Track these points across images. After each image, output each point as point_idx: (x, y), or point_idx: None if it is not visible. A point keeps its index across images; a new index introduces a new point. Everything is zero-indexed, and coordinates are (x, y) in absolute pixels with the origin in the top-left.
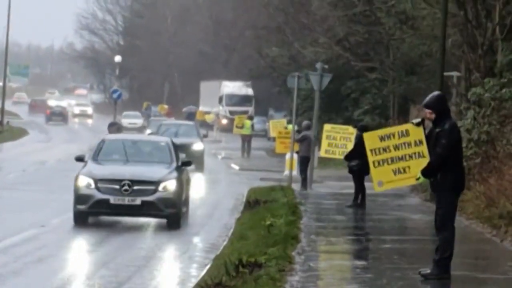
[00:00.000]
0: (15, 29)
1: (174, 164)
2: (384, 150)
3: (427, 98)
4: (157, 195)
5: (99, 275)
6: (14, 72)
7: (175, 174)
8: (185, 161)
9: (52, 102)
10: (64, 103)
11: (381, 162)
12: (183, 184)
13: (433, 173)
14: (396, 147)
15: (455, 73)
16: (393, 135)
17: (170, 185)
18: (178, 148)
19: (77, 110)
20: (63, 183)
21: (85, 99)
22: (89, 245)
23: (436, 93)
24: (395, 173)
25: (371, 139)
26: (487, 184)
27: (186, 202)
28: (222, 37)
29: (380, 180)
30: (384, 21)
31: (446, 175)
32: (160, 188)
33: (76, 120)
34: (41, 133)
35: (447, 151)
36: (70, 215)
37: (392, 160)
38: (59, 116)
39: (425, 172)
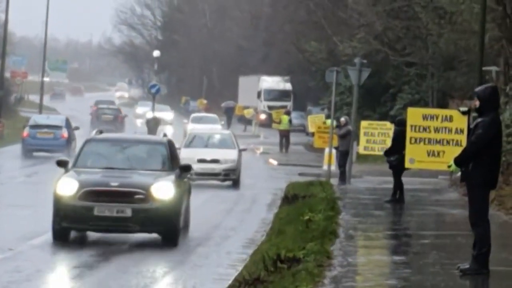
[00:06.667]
0: (54, 24)
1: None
2: (424, 129)
3: (479, 87)
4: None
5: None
6: (53, 67)
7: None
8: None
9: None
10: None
11: (418, 140)
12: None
13: (464, 161)
14: (437, 130)
15: (494, 68)
16: (437, 117)
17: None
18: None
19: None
20: None
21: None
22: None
23: (489, 84)
24: (428, 155)
25: (414, 115)
26: None
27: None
28: (261, 32)
29: (413, 157)
30: (422, 16)
31: (477, 169)
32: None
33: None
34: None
35: (482, 142)
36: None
37: (429, 141)
38: (59, 95)
39: (457, 159)
